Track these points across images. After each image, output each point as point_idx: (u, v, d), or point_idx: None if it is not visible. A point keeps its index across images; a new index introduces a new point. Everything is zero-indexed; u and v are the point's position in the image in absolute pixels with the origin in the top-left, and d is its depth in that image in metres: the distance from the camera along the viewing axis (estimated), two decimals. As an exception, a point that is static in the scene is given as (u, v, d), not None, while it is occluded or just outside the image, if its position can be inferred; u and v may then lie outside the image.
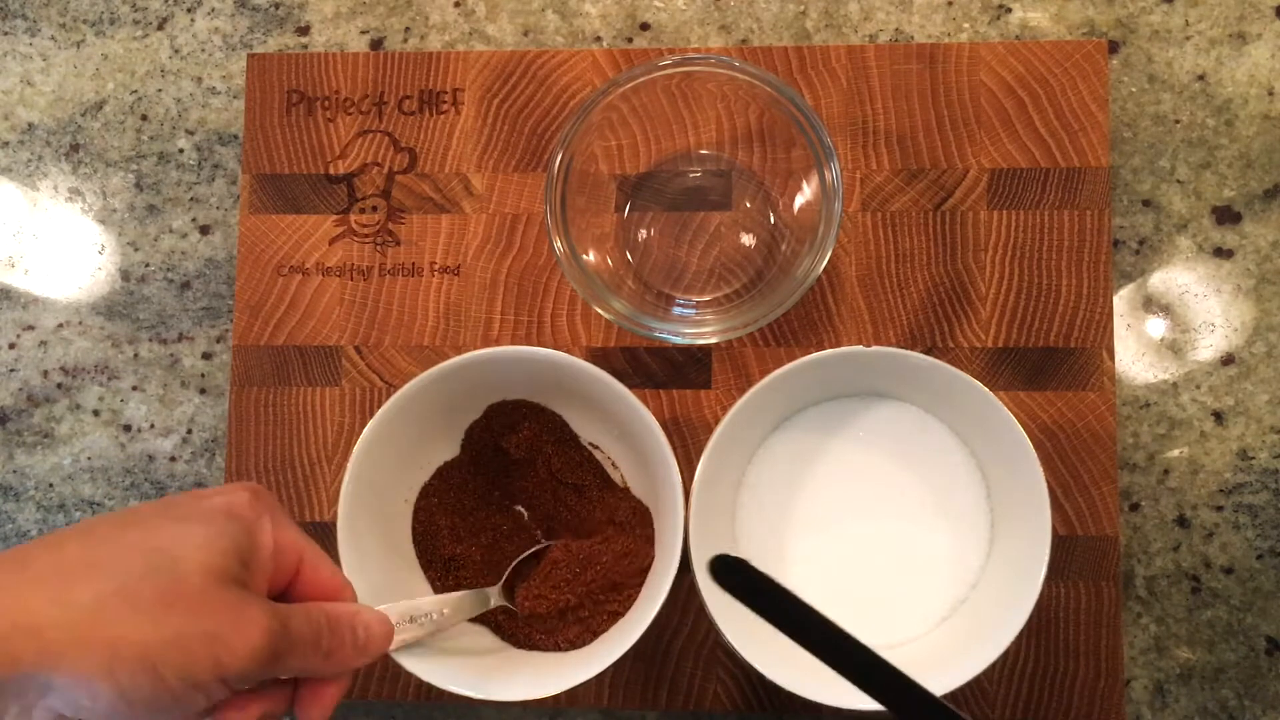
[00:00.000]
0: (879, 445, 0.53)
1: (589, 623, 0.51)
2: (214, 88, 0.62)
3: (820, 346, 0.57)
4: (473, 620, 0.53)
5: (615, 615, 0.51)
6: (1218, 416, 0.56)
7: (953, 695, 0.49)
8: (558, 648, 0.51)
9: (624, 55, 0.59)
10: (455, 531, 0.54)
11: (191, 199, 0.61)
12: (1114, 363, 0.56)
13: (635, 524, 0.53)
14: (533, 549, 0.53)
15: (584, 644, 0.51)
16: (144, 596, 0.35)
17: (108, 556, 0.36)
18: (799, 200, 0.55)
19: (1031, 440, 0.48)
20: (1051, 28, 0.59)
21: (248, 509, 0.39)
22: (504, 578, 0.51)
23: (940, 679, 0.47)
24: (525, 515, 0.56)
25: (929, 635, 0.51)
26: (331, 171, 0.60)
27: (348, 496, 0.49)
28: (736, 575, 0.40)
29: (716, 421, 0.49)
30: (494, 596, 0.51)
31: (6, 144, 0.62)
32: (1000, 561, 0.51)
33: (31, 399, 0.61)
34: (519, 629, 0.52)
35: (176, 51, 0.62)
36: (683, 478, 0.48)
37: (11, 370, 0.61)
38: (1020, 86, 0.57)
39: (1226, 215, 0.57)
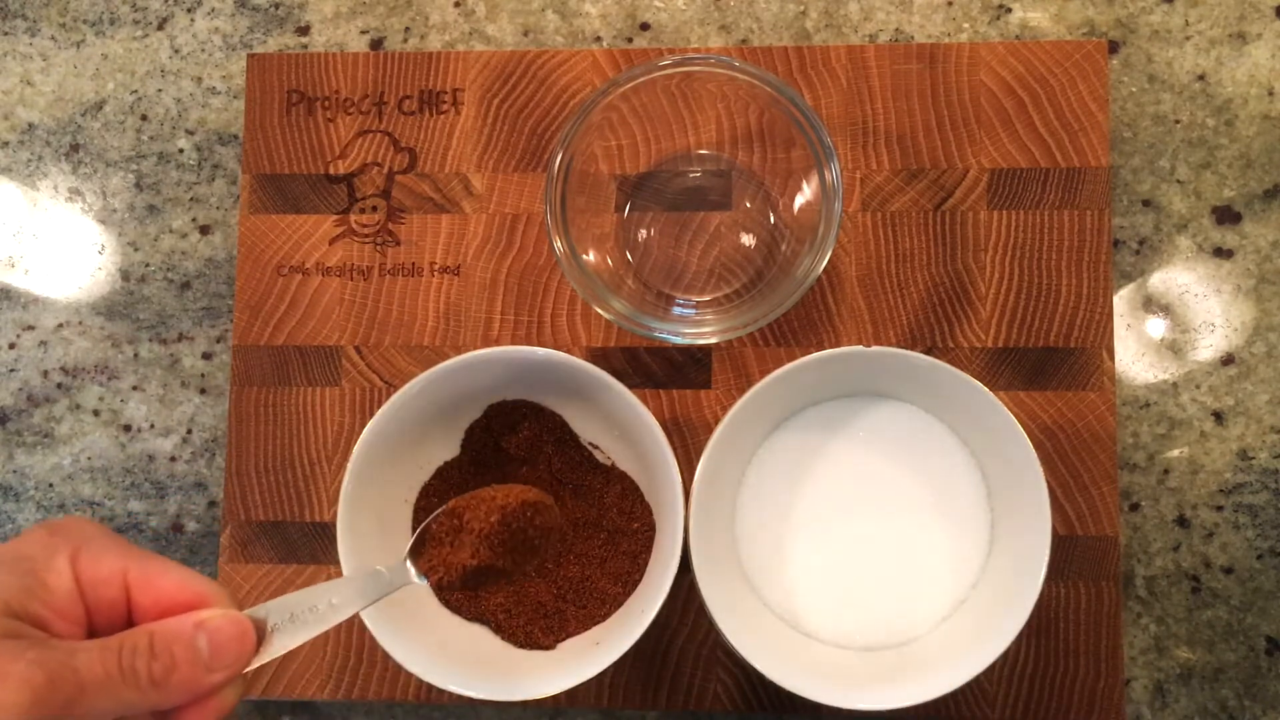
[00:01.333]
0: (879, 445, 0.53)
1: (594, 603, 0.52)
2: (214, 88, 0.62)
3: (820, 346, 0.57)
4: (472, 620, 0.53)
5: (606, 599, 0.52)
6: (1218, 416, 0.56)
7: (953, 695, 0.48)
8: (558, 648, 0.52)
9: (624, 55, 0.59)
10: (455, 531, 0.54)
11: (191, 199, 0.61)
12: (1114, 363, 0.56)
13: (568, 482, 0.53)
14: (433, 514, 0.47)
15: (583, 631, 0.52)
16: None
17: None
18: (799, 200, 0.55)
19: (1031, 440, 0.48)
20: (1051, 28, 0.59)
21: (39, 548, 0.36)
22: (406, 550, 0.46)
23: (940, 679, 0.47)
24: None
25: (929, 635, 0.51)
26: (331, 171, 0.60)
27: (348, 496, 0.49)
28: None
29: (716, 421, 0.49)
30: (398, 575, 0.44)
31: (6, 144, 0.62)
32: (1000, 561, 0.51)
33: (31, 399, 0.61)
34: (519, 629, 0.52)
35: (176, 51, 0.62)
36: (683, 478, 0.48)
37: (11, 370, 0.61)
38: (1020, 86, 0.57)
39: (1226, 215, 0.57)
